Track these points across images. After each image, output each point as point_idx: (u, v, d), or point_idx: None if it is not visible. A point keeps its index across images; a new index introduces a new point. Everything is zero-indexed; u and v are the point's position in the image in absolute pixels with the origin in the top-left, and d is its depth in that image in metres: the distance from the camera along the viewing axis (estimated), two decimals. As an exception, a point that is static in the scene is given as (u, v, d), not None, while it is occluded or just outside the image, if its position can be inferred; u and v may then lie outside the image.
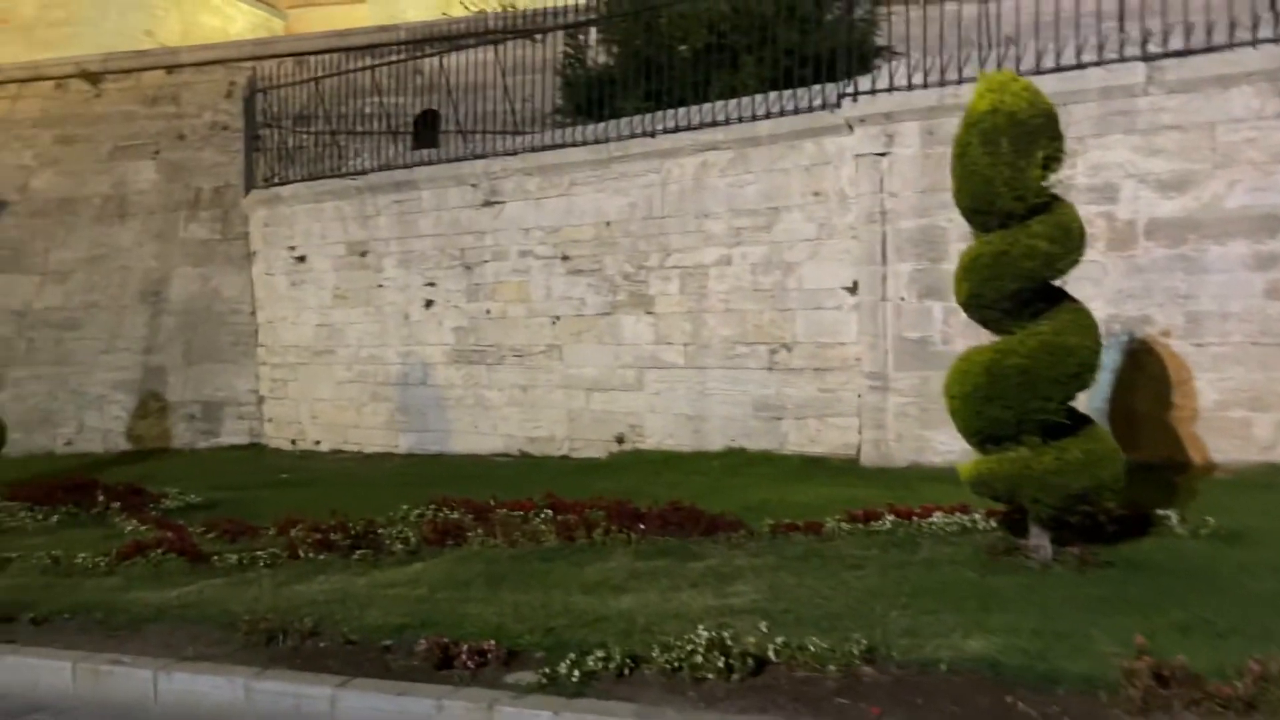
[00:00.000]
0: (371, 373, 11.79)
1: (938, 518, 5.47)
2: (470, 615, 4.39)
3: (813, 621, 3.97)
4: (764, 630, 3.70)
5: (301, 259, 12.41)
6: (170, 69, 14.53)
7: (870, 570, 4.78)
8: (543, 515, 6.04)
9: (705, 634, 3.62)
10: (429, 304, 11.29)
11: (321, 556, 5.54)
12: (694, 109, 9.43)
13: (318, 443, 12.25)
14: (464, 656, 3.82)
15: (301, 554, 5.56)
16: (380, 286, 11.70)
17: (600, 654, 3.65)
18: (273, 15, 25.20)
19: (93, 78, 14.71)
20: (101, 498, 7.37)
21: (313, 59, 13.93)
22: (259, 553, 5.57)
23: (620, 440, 9.89)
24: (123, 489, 7.83)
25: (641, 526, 5.65)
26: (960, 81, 7.79)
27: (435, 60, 12.69)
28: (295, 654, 4.14)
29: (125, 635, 4.59)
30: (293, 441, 12.52)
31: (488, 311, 10.88)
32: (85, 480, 8.23)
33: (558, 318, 10.36)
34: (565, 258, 10.29)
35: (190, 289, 13.78)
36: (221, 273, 13.67)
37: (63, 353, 13.92)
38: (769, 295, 8.90)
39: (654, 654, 3.65)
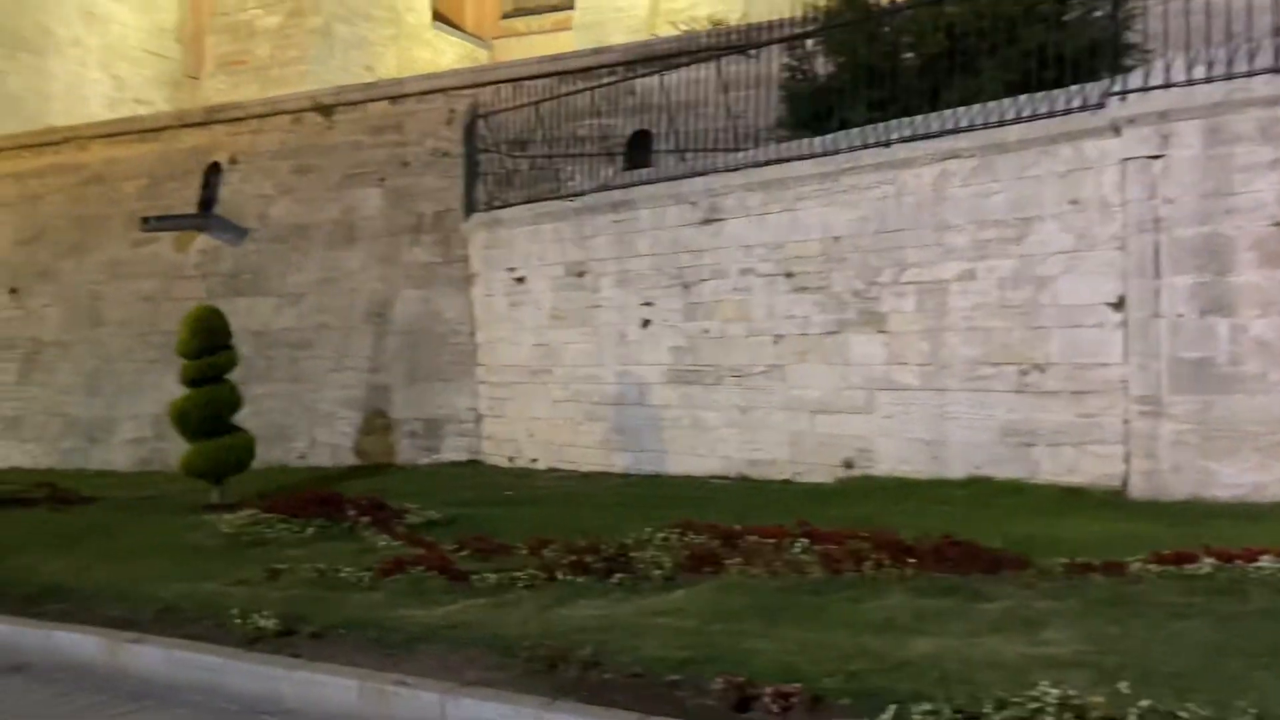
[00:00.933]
0: (587, 392, 11.81)
1: (1266, 561, 4.80)
2: (754, 651, 4.12)
3: (1161, 681, 3.47)
4: (1122, 690, 3.24)
5: (520, 280, 12.61)
6: (395, 99, 15.16)
7: (1201, 621, 4.21)
8: (800, 544, 5.72)
9: (1053, 691, 3.20)
10: (646, 323, 11.21)
11: (579, 579, 5.41)
12: (931, 116, 8.95)
13: (534, 460, 12.38)
14: (766, 699, 3.54)
15: (559, 576, 5.44)
16: (597, 306, 11.72)
17: (927, 707, 3.28)
18: (479, 47, 26.19)
19: (325, 110, 15.53)
20: (351, 512, 7.56)
21: (528, 84, 14.22)
22: (517, 573, 5.50)
23: (848, 465, 9.46)
24: (367, 503, 8.02)
25: (912, 560, 5.24)
26: (1250, 74, 7.01)
27: (647, 80, 12.71)
28: (579, 684, 3.97)
29: (400, 655, 4.56)
30: (510, 459, 12.70)
31: (706, 331, 10.69)
32: (329, 494, 8.50)
33: (780, 337, 10.04)
34: (789, 275, 9.97)
35: (412, 310, 14.27)
36: (442, 294, 14.09)
37: (296, 371, 14.71)
38: (1019, 312, 8.29)
39: (988, 710, 3.25)
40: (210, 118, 16.61)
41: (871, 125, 9.41)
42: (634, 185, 11.48)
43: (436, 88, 14.96)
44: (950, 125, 8.73)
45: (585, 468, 11.69)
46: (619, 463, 11.37)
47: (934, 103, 9.07)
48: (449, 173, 14.51)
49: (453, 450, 13.51)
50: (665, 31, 14.18)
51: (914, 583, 5.03)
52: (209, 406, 10.28)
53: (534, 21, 26.16)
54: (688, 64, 12.37)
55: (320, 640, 4.80)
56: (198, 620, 5.25)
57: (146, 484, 13.30)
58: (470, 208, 13.64)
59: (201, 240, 16.04)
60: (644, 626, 4.57)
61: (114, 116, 25.92)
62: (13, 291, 17.45)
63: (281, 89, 20.89)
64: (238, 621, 4.97)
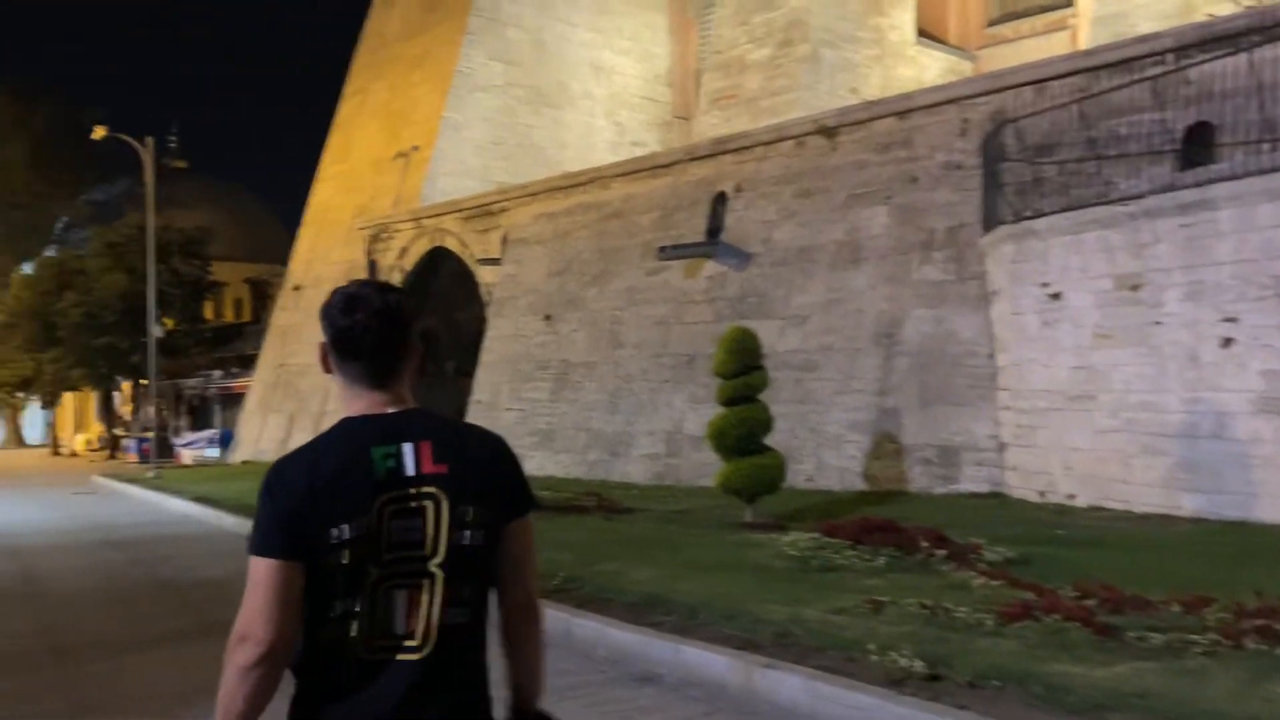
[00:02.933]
0: (1143, 421, 10.37)
1: None
2: None
3: None
4: None
5: (1055, 296, 11.47)
6: (901, 115, 14.72)
7: None
8: None
9: None
10: (1227, 343, 9.58)
11: (1276, 651, 4.38)
12: None
13: (1071, 496, 11.13)
14: None
15: (1245, 643, 4.46)
16: (1157, 324, 10.27)
17: None
18: (963, 59, 25.08)
19: (829, 132, 15.50)
20: (924, 544, 7.06)
21: (1051, 85, 13.06)
22: (1192, 635, 4.60)
23: None
24: (930, 535, 7.48)
25: None
26: None
27: (1208, 66, 11.00)
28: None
29: (1085, 721, 3.90)
30: (1040, 493, 11.56)
31: (1313, 351, 8.87)
32: (884, 521, 8.09)
33: None
34: None
35: (923, 330, 13.66)
36: (956, 313, 13.32)
37: (802, 393, 14.71)
38: None
39: None
40: (716, 149, 17.36)
41: None
42: (1210, 183, 9.90)
43: (948, 98, 14.28)
44: None
45: (1140, 508, 10.26)
46: (1188, 504, 9.80)
47: None
48: (962, 186, 13.75)
49: (971, 480, 12.64)
50: (1201, 18, 12.28)
51: None
52: (744, 425, 10.43)
53: (1023, 25, 24.53)
54: (1260, 43, 10.54)
55: (976, 691, 4.28)
56: (820, 649, 4.98)
57: (667, 497, 14.00)
58: (990, 220, 12.75)
59: (709, 266, 16.75)
60: None
61: (615, 159, 28.47)
62: (547, 318, 19.52)
63: (771, 119, 21.44)
64: (875, 658, 4.61)
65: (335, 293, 2.10)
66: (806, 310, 15.12)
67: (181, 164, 57.22)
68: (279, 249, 49.91)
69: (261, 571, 1.88)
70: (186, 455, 29.20)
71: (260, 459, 26.94)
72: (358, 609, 1.90)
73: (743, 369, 10.59)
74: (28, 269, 44.19)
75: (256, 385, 29.35)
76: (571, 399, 18.42)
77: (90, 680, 6.03)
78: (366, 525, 1.89)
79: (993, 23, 25.15)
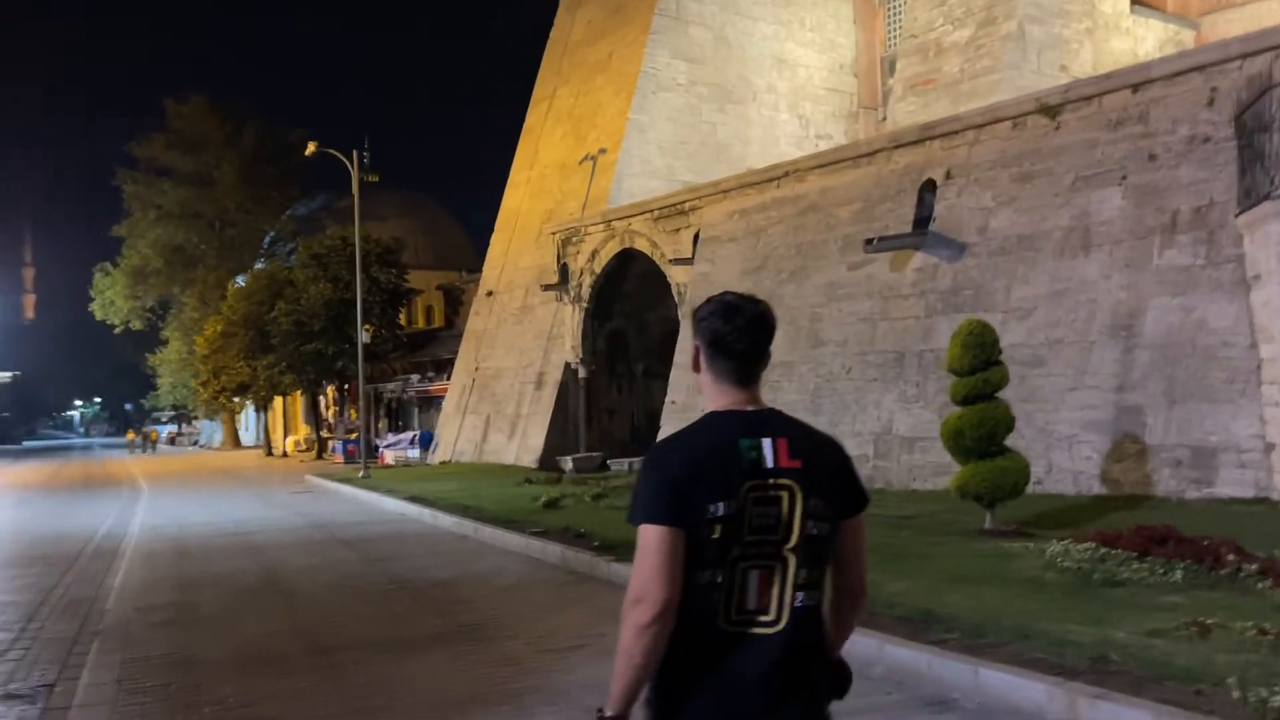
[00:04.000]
0: None
1: None
2: None
3: None
4: None
5: (1338, 279, 10.23)
6: (1136, 87, 13.56)
7: None
8: None
9: None
10: None
11: None
12: None
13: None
14: None
15: None
16: None
17: None
18: (1183, 27, 23.14)
19: (1050, 111, 14.48)
20: (1230, 556, 6.27)
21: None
22: None
23: None
24: (1229, 545, 6.66)
25: None
26: None
27: None
28: None
29: None
30: (1325, 500, 10.34)
31: None
32: (1163, 530, 7.30)
33: None
34: None
35: (1168, 321, 12.50)
36: (1207, 301, 12.12)
37: (1027, 390, 13.75)
38: None
39: None
40: (923, 135, 16.54)
41: None
42: None
43: (1192, 66, 13.03)
44: None
45: None
46: None
47: None
48: (1211, 161, 12.52)
49: (1231, 484, 11.45)
50: None
51: None
52: (983, 425, 9.77)
53: (1254, -14, 22.37)
54: None
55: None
56: (1156, 679, 4.39)
57: (884, 501, 13.34)
58: (1249, 198, 11.52)
59: (918, 258, 15.97)
60: None
61: (800, 153, 27.81)
62: (742, 316, 19.13)
63: (974, 102, 20.33)
64: (1235, 694, 4.00)
65: (712, 301, 2.36)
66: (1030, 302, 14.15)
67: (374, 177, 60.19)
68: (465, 256, 51.78)
69: (652, 538, 2.10)
70: (389, 456, 30.44)
71: (459, 459, 27.77)
72: (721, 581, 2.12)
73: (980, 364, 9.92)
74: (240, 282, 47.39)
75: (453, 389, 30.30)
76: (770, 399, 17.76)
77: (359, 682, 6.06)
78: (734, 506, 2.12)
79: (1217, -14, 23.08)
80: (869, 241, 16.11)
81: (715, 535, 2.10)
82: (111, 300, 52.31)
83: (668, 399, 20.63)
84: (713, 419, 2.28)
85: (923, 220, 16.09)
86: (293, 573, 10.79)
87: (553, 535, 11.19)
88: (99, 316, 53.96)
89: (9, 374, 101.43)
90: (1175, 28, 23.08)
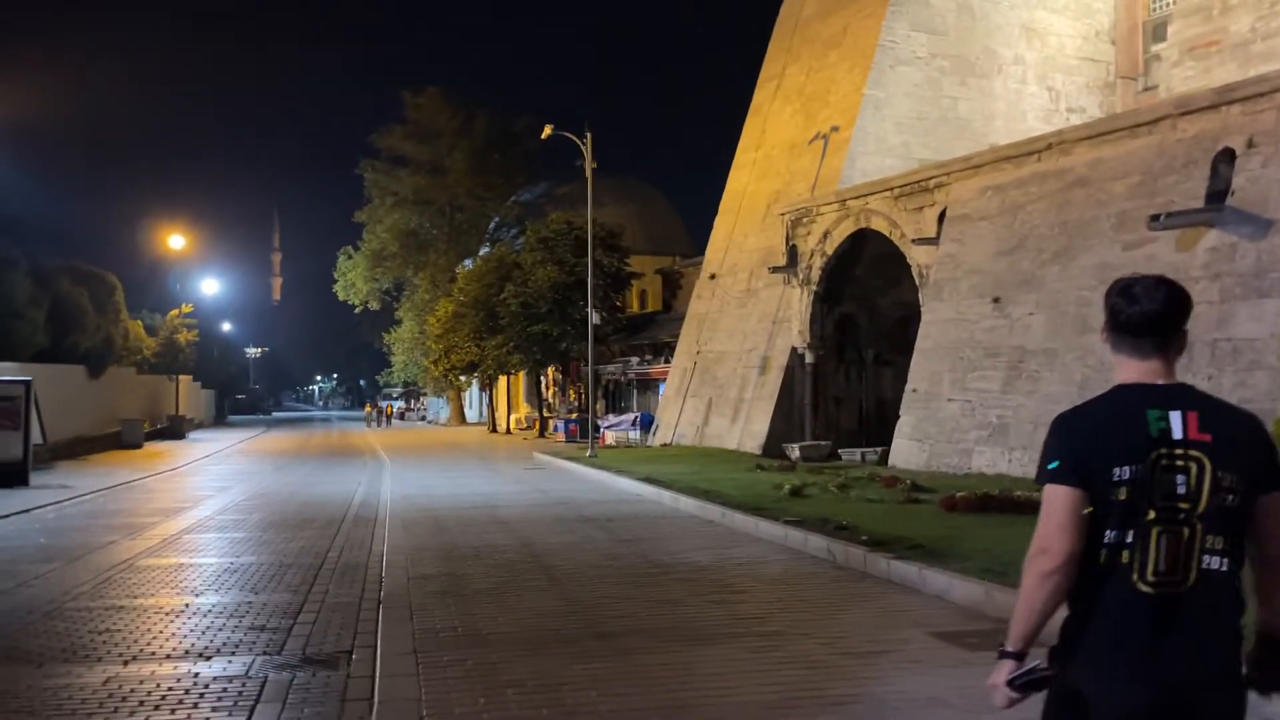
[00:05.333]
0: None
1: None
2: None
3: None
4: None
5: None
6: None
7: None
8: None
9: None
10: None
11: None
12: None
13: None
14: None
15: None
16: None
17: None
18: None
19: (1389, 67, 12.52)
20: None
21: None
22: None
23: None
24: None
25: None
26: None
27: None
28: None
29: None
30: None
31: None
32: None
33: None
34: None
35: None
36: None
37: (1353, 387, 12.00)
38: None
39: None
40: (1219, 100, 14.78)
41: None
42: None
43: None
44: None
45: None
46: None
47: None
48: None
49: None
50: None
51: None
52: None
53: None
54: None
55: None
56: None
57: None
58: None
59: (1211, 236, 14.31)
60: None
61: (1049, 128, 25.82)
62: (995, 301, 17.89)
63: (1269, 65, 18.10)
64: None
65: (1118, 282, 2.51)
66: (1357, 287, 12.34)
67: (594, 164, 61.34)
68: (679, 241, 51.85)
69: (1057, 497, 2.33)
70: (610, 436, 30.75)
71: (679, 442, 27.65)
72: (1129, 541, 2.30)
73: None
74: (468, 264, 49.34)
75: (674, 371, 30.21)
76: (1029, 390, 16.68)
77: (657, 674, 5.73)
78: (1141, 471, 2.28)
79: None
80: (1154, 218, 14.56)
81: (1122, 497, 2.29)
82: (352, 282, 55.76)
83: (908, 387, 19.59)
84: (1120, 391, 2.42)
85: (1217, 194, 14.39)
86: (549, 550, 10.75)
87: (810, 526, 10.62)
88: (341, 297, 57.66)
89: (259, 350, 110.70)
90: None
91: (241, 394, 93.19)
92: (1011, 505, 10.87)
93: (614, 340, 37.77)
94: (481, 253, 49.94)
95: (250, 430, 52.43)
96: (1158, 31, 27.51)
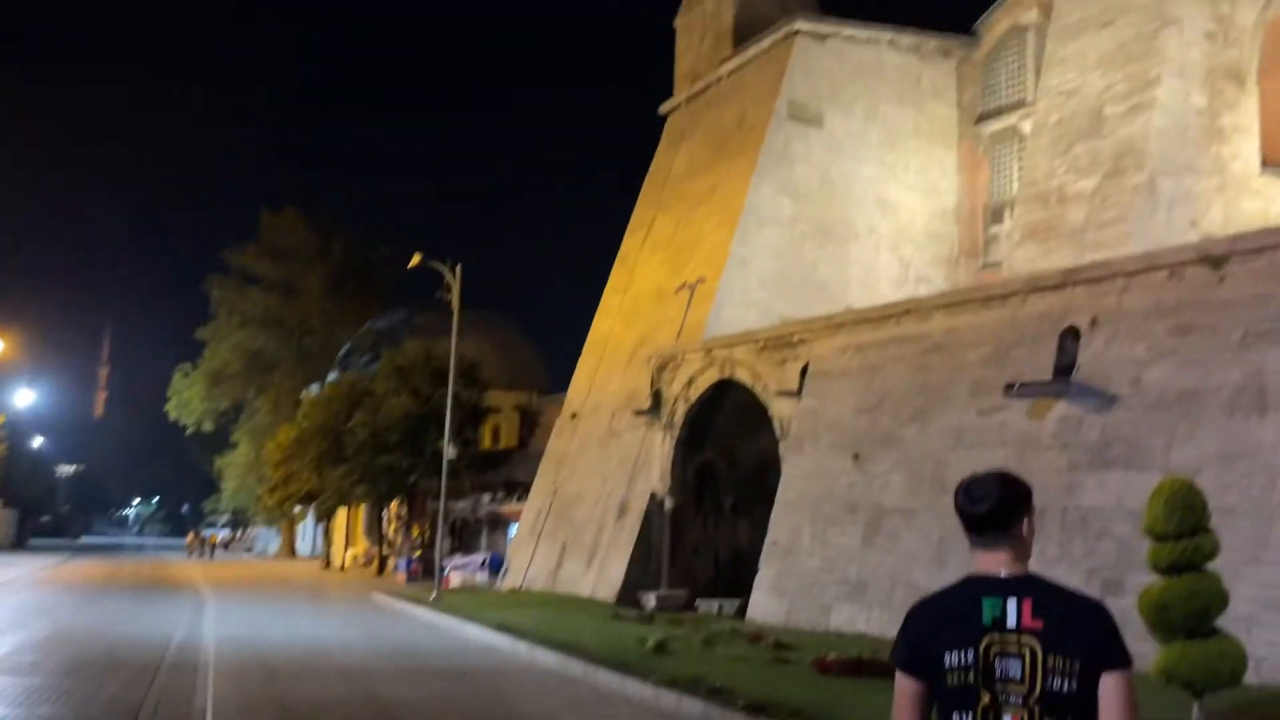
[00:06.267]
0: None
1: None
2: None
3: None
4: None
5: None
6: (1315, 242, 12.76)
7: None
8: None
9: None
10: None
11: None
12: None
13: None
14: None
15: None
16: None
17: None
18: (1314, 188, 22.40)
19: (1214, 262, 13.69)
20: None
21: None
22: None
23: None
24: None
25: None
26: None
27: None
28: None
29: None
30: None
31: None
32: None
33: None
34: None
35: (1365, 494, 11.33)
36: None
37: (1194, 559, 12.53)
38: None
39: None
40: (1065, 280, 15.81)
41: None
42: None
43: (1382, 222, 12.23)
44: None
45: None
46: None
47: None
48: None
49: None
50: None
51: None
52: (1195, 599, 8.63)
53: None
54: None
55: None
56: None
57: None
58: None
59: (1060, 408, 15.01)
60: None
61: (899, 295, 27.23)
62: (855, 457, 18.19)
63: (1100, 253, 19.62)
64: None
65: (962, 482, 2.69)
66: (1194, 463, 13.03)
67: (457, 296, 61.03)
68: (538, 378, 51.61)
69: (899, 684, 2.59)
70: (455, 578, 29.38)
71: (529, 587, 26.63)
72: None
73: (1188, 529, 8.85)
74: (315, 389, 47.54)
75: (528, 511, 29.40)
76: (887, 548, 16.84)
77: None
78: (972, 658, 2.48)
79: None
80: (1010, 387, 15.22)
81: (956, 682, 2.47)
82: (187, 401, 52.81)
83: (769, 539, 19.52)
84: (966, 581, 2.61)
85: (1064, 368, 15.19)
86: (404, 708, 9.81)
87: (683, 687, 10.10)
88: (173, 416, 54.39)
89: (72, 467, 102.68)
90: (1309, 188, 22.35)
91: (48, 515, 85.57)
92: (885, 670, 10.65)
93: (466, 476, 36.67)
94: (330, 378, 48.27)
95: (53, 556, 47.83)
96: (996, 214, 29.75)
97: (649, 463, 24.82)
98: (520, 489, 32.72)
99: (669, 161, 31.20)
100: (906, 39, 29.30)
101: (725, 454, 25.13)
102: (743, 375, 22.51)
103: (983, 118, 29.96)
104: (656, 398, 24.86)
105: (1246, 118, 21.78)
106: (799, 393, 20.39)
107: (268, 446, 44.08)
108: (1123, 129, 20.83)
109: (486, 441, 45.75)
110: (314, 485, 38.51)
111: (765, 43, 28.49)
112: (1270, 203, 22.00)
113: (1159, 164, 20.39)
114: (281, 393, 51.38)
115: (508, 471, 35.96)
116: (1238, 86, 21.62)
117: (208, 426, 54.58)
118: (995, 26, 29.85)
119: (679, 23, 33.60)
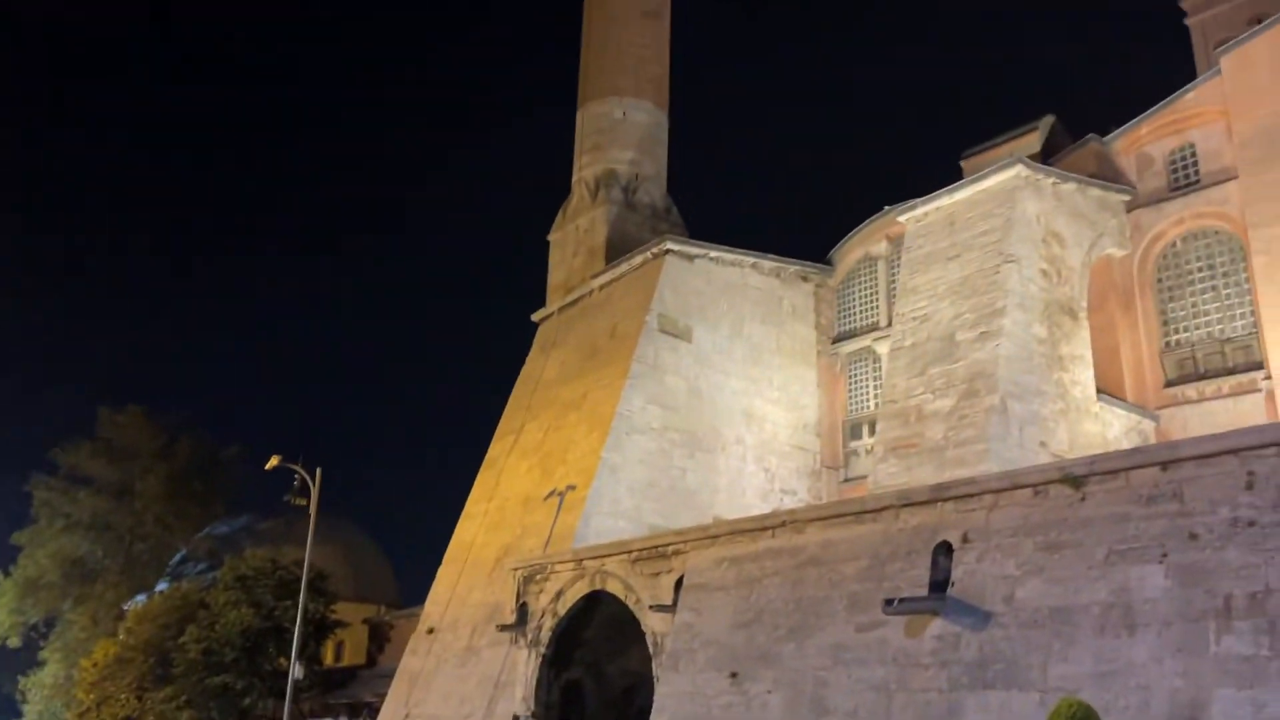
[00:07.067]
0: None
1: None
2: None
3: None
4: None
5: None
6: (1165, 465, 13.52)
7: None
8: None
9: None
10: None
11: None
12: None
13: None
14: None
15: None
16: None
17: None
18: (1143, 417, 24.20)
19: (1075, 481, 14.30)
20: None
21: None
22: None
23: None
24: None
25: None
26: None
27: None
28: None
29: None
30: None
31: None
32: None
33: None
34: None
35: (1237, 715, 11.52)
36: (1278, 697, 11.26)
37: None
38: None
39: None
40: (935, 496, 16.18)
41: None
42: None
43: (1223, 449, 13.09)
44: None
45: None
46: None
47: None
48: (1260, 546, 12.19)
49: None
50: None
51: None
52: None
53: (1207, 387, 23.78)
54: None
55: None
56: None
57: None
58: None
59: (937, 624, 14.99)
60: None
61: (766, 506, 27.48)
62: (733, 676, 17.59)
63: (960, 470, 20.42)
64: None
65: None
66: (1073, 682, 13.10)
67: (303, 501, 58.24)
68: (388, 591, 49.03)
69: None
70: (290, 815, 26.42)
71: (374, 825, 24.13)
72: None
73: (1089, 755, 8.70)
74: (141, 599, 43.68)
75: (377, 737, 27.08)
76: (768, 776, 16.03)
77: None
78: None
79: (1170, 383, 24.48)
80: (889, 602, 15.17)
81: None
82: (-6, 612, 47.61)
83: (644, 767, 18.39)
84: None
85: (939, 583, 15.31)
86: None
87: None
88: (-27, 630, 48.78)
89: None
90: (1137, 417, 24.10)
91: None
92: None
93: (307, 698, 33.78)
94: (159, 588, 44.54)
95: None
96: (854, 430, 30.84)
97: (511, 682, 23.44)
98: (367, 711, 30.29)
99: (540, 368, 31.36)
100: (768, 264, 30.98)
101: (593, 672, 23.99)
102: (615, 588, 21.83)
103: (839, 338, 31.57)
104: (522, 611, 23.77)
105: (1081, 348, 23.62)
106: (674, 606, 19.85)
107: (81, 665, 39.74)
108: (974, 353, 22.17)
109: (330, 658, 42.62)
110: (133, 710, 34.62)
111: (637, 259, 29.58)
112: (1107, 427, 23.56)
113: (1009, 387, 21.66)
114: (102, 605, 46.95)
115: (355, 691, 33.38)
116: (1072, 320, 23.53)
117: (14, 642, 49.03)
118: (848, 256, 32.01)
119: (553, 237, 34.72)
